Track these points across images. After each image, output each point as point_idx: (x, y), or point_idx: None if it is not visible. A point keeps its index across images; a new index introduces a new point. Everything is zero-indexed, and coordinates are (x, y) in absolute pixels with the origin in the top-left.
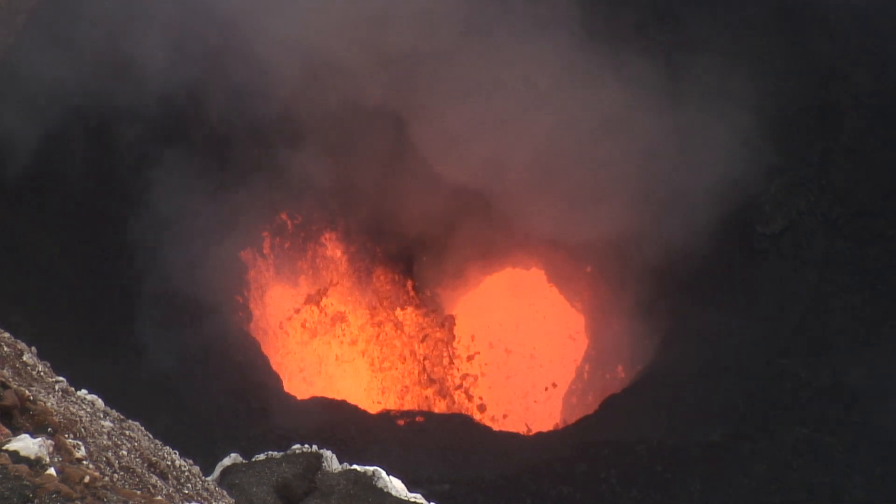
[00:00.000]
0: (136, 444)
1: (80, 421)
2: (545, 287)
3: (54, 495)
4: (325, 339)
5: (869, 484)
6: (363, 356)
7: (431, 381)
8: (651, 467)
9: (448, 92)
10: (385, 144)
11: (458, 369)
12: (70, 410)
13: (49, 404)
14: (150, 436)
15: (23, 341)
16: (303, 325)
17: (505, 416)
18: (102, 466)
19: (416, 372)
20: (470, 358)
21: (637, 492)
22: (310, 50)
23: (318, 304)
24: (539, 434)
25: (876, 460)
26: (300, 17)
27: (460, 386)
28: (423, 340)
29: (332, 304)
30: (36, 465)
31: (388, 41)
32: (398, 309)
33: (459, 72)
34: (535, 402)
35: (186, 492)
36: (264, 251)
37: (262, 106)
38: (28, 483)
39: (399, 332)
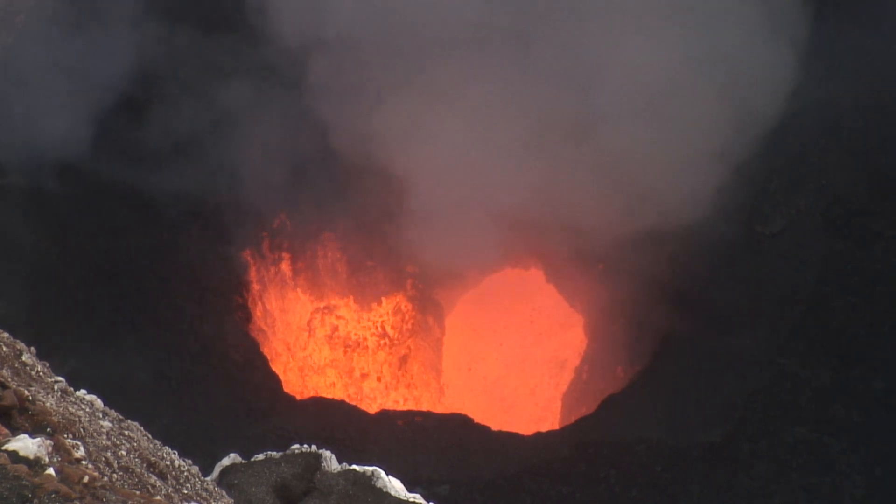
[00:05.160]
0: (135, 444)
1: (80, 421)
2: (544, 287)
3: (53, 495)
4: (325, 339)
5: (868, 484)
6: (362, 354)
7: (428, 381)
8: (650, 467)
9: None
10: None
11: (455, 368)
12: (69, 410)
13: (48, 404)
14: (150, 436)
15: (21, 341)
16: (302, 326)
17: (504, 416)
18: (101, 466)
19: (413, 370)
20: (468, 357)
21: (637, 492)
22: None
23: (316, 303)
24: (538, 434)
25: (875, 460)
26: None
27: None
28: (420, 339)
29: (331, 304)
30: (35, 465)
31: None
32: (397, 308)
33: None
34: (534, 401)
35: (185, 492)
36: (264, 251)
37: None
38: (27, 483)
39: (398, 330)
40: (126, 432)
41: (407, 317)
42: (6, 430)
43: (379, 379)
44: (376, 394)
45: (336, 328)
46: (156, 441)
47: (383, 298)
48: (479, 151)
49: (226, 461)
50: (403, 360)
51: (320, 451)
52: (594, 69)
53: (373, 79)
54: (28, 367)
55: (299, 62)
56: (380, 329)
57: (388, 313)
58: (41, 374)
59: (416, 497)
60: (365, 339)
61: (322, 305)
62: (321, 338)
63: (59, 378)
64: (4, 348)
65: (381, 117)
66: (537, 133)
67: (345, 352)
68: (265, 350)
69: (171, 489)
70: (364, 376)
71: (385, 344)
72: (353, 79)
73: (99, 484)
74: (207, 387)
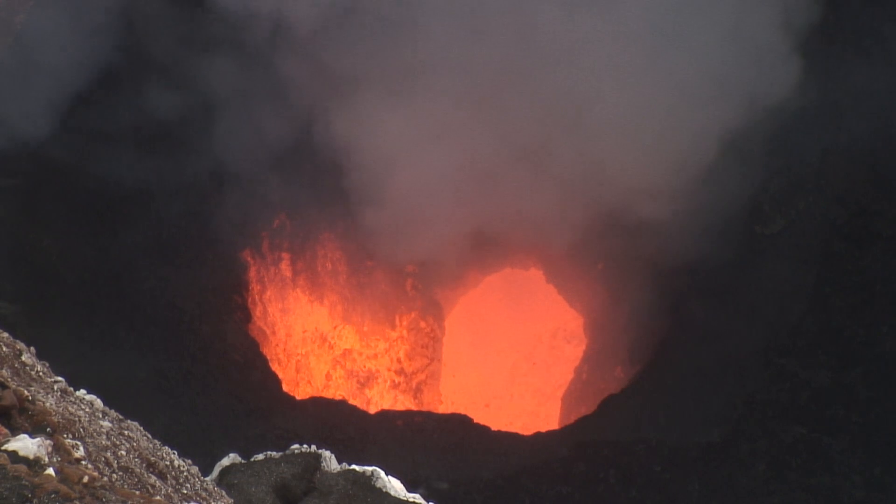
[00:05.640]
0: (134, 444)
1: (79, 421)
2: (544, 287)
3: (53, 495)
4: (324, 339)
5: (867, 484)
6: (362, 355)
7: (426, 380)
8: (650, 467)
9: None
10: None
11: (454, 368)
12: (69, 410)
13: (48, 404)
14: (149, 436)
15: (21, 341)
16: (303, 328)
17: (503, 416)
18: (101, 466)
19: (411, 370)
20: (468, 357)
21: (636, 492)
22: None
23: (315, 304)
24: (538, 434)
25: (874, 460)
26: None
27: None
28: (417, 337)
29: (330, 304)
30: (35, 465)
31: None
32: (396, 308)
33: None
34: (533, 401)
35: (185, 492)
36: (264, 251)
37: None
38: (27, 483)
39: (396, 330)
40: (126, 432)
41: (426, 338)
42: (6, 430)
43: (377, 378)
44: (375, 393)
45: (336, 327)
46: (155, 441)
47: (383, 298)
48: (461, 159)
49: (225, 461)
50: (418, 389)
51: (320, 451)
52: (586, 68)
53: (363, 89)
54: (28, 367)
55: (299, 60)
56: (395, 363)
57: (401, 337)
58: (41, 374)
59: (416, 497)
60: (378, 371)
61: (321, 305)
62: (321, 336)
63: (59, 378)
64: (4, 348)
65: (369, 125)
66: (529, 137)
67: (356, 385)
68: (265, 350)
69: (170, 489)
70: (362, 375)
71: (401, 382)
72: (349, 86)
73: (98, 484)
74: (207, 387)
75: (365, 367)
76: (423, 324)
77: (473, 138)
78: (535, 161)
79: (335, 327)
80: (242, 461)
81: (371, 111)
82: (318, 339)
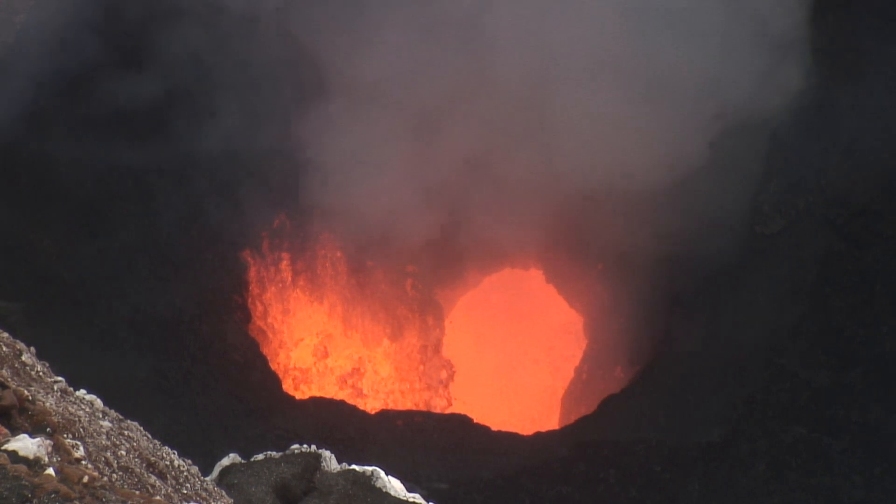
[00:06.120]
0: (134, 444)
1: (79, 421)
2: (544, 287)
3: (53, 495)
4: (324, 339)
5: (867, 484)
6: (360, 355)
7: (427, 381)
8: (650, 467)
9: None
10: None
11: (453, 368)
12: (69, 410)
13: (48, 404)
14: (149, 436)
15: (21, 341)
16: (302, 327)
17: (503, 416)
18: (101, 466)
19: (413, 371)
20: (468, 357)
21: (636, 492)
22: None
23: (315, 304)
24: (538, 434)
25: (874, 460)
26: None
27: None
28: (419, 339)
29: (329, 305)
30: (34, 465)
31: None
32: (396, 308)
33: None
34: (534, 401)
35: (185, 492)
36: (263, 251)
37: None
38: (27, 483)
39: (397, 330)
40: (126, 432)
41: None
42: (6, 430)
43: (377, 378)
44: (374, 393)
45: (335, 328)
46: (155, 441)
47: (383, 298)
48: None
49: (225, 461)
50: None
51: (320, 451)
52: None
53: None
54: (28, 367)
55: (300, 58)
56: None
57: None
58: (41, 374)
59: (416, 497)
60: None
61: (321, 305)
62: (320, 336)
63: (59, 378)
64: (4, 348)
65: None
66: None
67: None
68: (265, 350)
69: (170, 489)
70: (362, 374)
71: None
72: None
73: (98, 484)
74: (207, 387)
75: (375, 402)
76: (435, 360)
77: (437, 147)
78: (510, 166)
79: (338, 360)
80: (242, 461)
81: (335, 119)
82: (320, 353)
